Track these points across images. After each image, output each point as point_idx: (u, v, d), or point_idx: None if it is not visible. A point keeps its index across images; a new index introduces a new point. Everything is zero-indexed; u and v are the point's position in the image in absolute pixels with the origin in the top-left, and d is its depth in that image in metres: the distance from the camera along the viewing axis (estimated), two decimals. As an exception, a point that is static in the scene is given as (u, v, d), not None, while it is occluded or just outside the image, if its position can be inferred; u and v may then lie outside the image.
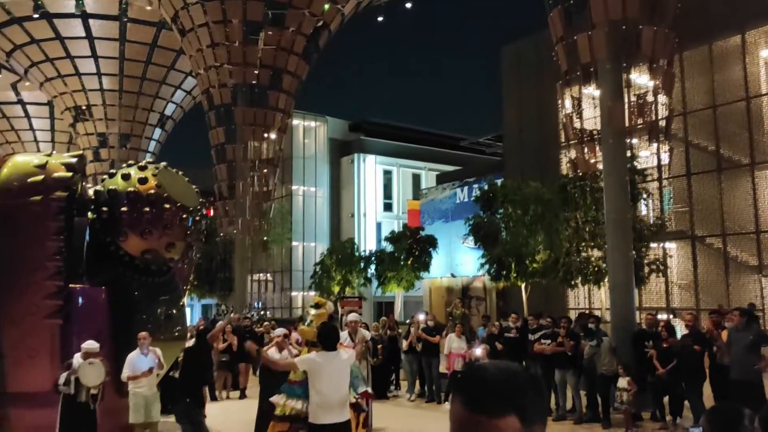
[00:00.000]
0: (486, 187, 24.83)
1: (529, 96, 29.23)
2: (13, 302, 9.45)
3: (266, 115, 30.30)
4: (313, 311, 7.69)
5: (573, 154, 16.12)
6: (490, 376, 1.24)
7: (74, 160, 10.51)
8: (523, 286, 21.87)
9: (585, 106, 16.10)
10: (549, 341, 12.29)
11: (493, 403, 1.20)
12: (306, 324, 7.66)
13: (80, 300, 10.49)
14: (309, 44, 30.62)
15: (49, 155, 10.57)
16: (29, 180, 9.75)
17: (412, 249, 28.43)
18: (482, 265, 22.73)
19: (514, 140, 30.76)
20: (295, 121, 41.20)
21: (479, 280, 29.22)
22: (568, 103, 16.15)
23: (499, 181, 24.92)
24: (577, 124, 15.50)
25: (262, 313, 31.40)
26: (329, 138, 44.41)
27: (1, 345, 9.46)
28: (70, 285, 10.26)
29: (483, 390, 1.22)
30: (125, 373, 9.36)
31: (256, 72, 29.50)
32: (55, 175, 9.91)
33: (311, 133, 44.42)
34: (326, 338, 6.38)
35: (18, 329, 9.40)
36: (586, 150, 15.17)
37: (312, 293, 32.19)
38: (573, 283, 19.13)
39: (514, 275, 21.27)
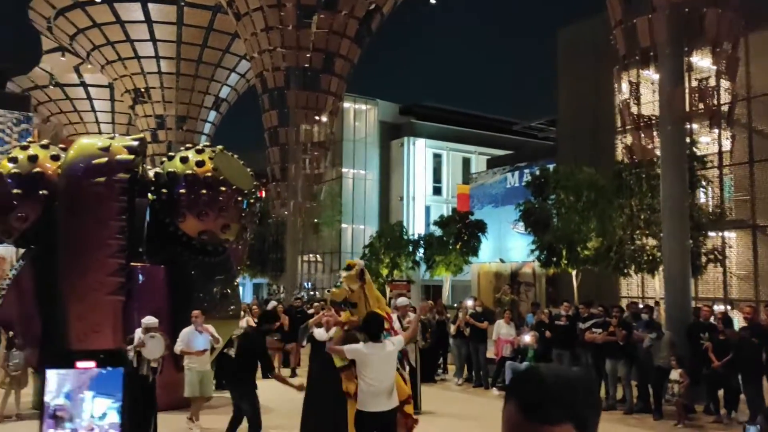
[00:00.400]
0: (538, 172, 24.44)
1: (585, 80, 28.55)
2: (78, 279, 9.90)
3: (318, 98, 30.54)
4: (344, 273, 7.60)
5: (629, 139, 15.73)
6: (547, 383, 1.24)
7: (136, 143, 10.87)
8: (574, 273, 21.55)
9: (643, 90, 15.65)
10: (600, 330, 12.11)
11: (550, 411, 1.20)
12: (337, 286, 7.60)
13: (141, 277, 10.91)
14: (361, 28, 30.63)
15: (112, 138, 10.98)
16: (94, 162, 10.15)
17: (460, 233, 28.32)
18: (532, 251, 22.48)
19: (568, 125, 30.13)
20: (346, 104, 41.38)
21: (529, 266, 28.95)
22: (625, 88, 15.74)
23: (551, 167, 24.47)
24: (634, 109, 15.09)
25: (311, 293, 31.89)
26: (379, 121, 44.44)
27: (67, 319, 9.93)
28: (131, 263, 10.68)
29: (539, 396, 1.22)
30: (179, 347, 9.55)
31: (309, 55, 29.72)
32: (118, 157, 10.28)
33: (362, 116, 44.54)
34: (370, 328, 6.31)
35: (83, 304, 9.85)
36: (643, 136, 14.78)
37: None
38: (626, 271, 18.75)
39: (565, 262, 20.96)
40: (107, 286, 9.91)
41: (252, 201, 12.34)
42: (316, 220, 35.08)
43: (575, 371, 1.29)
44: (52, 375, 0.94)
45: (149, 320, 9.16)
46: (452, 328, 15.13)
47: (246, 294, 37.61)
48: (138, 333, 9.15)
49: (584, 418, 1.22)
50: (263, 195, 30.54)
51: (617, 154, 24.13)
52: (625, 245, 17.96)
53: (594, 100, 27.86)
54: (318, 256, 42.11)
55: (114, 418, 0.96)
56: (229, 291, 11.90)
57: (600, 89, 26.80)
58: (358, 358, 6.21)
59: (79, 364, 0.96)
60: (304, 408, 8.63)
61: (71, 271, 9.92)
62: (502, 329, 14.02)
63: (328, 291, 7.84)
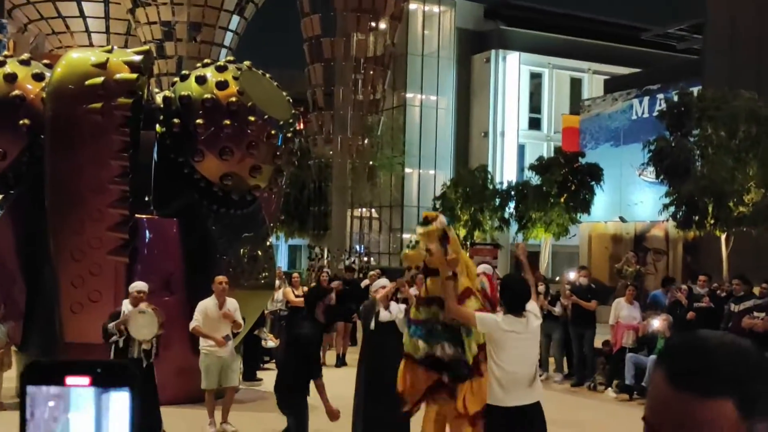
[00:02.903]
0: (676, 98, 23.84)
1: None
2: (72, 234, 10.29)
3: (375, -3, 30.31)
4: (420, 229, 7.39)
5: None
6: (708, 348, 1.25)
7: (139, 57, 11.09)
8: (723, 237, 21.14)
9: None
10: (764, 314, 11.90)
11: (706, 381, 1.21)
12: (410, 247, 7.51)
13: (148, 233, 11.28)
14: None
15: (110, 51, 11.21)
16: (87, 83, 10.41)
17: (567, 182, 28.01)
18: (666, 207, 22.13)
19: (721, 33, 29.09)
20: (413, 6, 40.94)
21: (660, 227, 28.46)
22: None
23: (695, 90, 23.81)
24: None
25: (365, 260, 32.33)
26: (457, 28, 43.92)
27: (58, 285, 10.37)
28: (136, 215, 11.03)
29: (695, 362, 1.23)
30: (194, 324, 9.70)
31: (363, -62, 29.43)
32: (118, 76, 10.52)
33: (433, 21, 44.05)
34: (512, 296, 6.16)
35: (78, 265, 10.25)
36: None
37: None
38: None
39: (712, 222, 20.56)
40: (107, 243, 10.26)
41: (289, 135, 12.48)
42: (371, 163, 35.24)
43: (749, 342, 1.30)
44: (32, 391, 0.94)
45: (138, 285, 9.22)
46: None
47: (280, 258, 38.44)
48: (125, 304, 9.23)
49: (752, 397, 1.21)
50: (302, 128, 30.84)
51: (791, 73, 23.24)
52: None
53: (759, -4, 26.78)
54: (373, 210, 42.45)
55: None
56: (259, 253, 12.16)
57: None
58: (492, 333, 6.15)
59: (69, 381, 0.94)
60: (354, 407, 8.82)
61: (62, 223, 10.30)
62: (623, 311, 13.85)
63: (404, 250, 7.82)
